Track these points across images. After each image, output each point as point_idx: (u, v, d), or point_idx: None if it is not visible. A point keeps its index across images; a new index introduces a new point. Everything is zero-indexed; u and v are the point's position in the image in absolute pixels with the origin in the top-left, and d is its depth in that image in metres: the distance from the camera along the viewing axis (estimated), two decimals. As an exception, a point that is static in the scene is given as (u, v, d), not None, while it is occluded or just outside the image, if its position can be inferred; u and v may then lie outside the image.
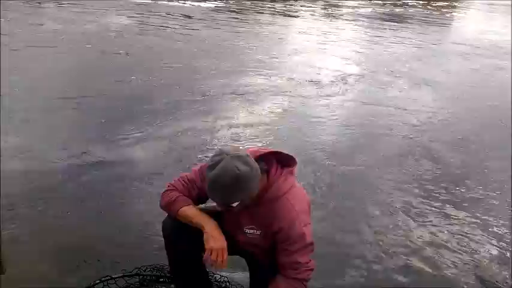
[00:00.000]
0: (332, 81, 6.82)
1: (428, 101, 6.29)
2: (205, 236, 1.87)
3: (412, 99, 6.27)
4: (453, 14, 16.80)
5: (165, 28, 9.54)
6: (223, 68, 6.99)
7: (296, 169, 1.97)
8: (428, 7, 17.06)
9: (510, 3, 16.81)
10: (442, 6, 17.66)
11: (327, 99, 6.02)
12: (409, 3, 17.38)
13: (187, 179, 2.01)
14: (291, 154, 1.96)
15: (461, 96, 6.55)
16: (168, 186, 2.03)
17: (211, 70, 6.80)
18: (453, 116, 5.64)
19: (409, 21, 13.62)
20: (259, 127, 4.91)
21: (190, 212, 1.94)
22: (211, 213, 2.05)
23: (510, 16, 14.76)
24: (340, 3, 15.91)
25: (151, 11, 11.23)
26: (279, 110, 5.50)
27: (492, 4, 19.21)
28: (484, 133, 5.16)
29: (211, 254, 1.85)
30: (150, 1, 12.66)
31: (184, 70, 6.76)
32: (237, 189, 1.74)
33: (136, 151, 4.10)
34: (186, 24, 10.18)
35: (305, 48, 8.94)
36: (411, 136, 4.94)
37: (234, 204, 1.85)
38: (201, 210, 1.99)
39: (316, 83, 6.71)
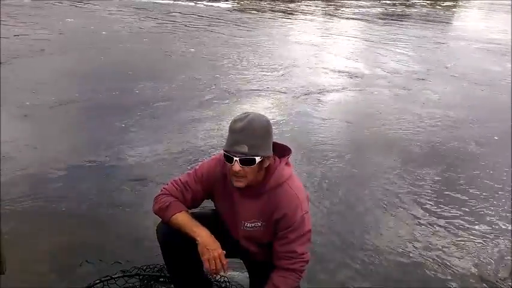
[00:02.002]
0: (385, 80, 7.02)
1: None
2: (199, 248, 1.86)
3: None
4: (462, 13, 16.98)
5: (192, 28, 9.80)
6: (259, 67, 7.17)
7: (291, 159, 1.97)
8: (437, 7, 17.25)
9: (510, 3, 16.92)
10: (450, 6, 17.89)
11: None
12: (417, 3, 17.55)
13: (181, 182, 1.99)
14: (284, 144, 1.97)
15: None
16: (162, 190, 2.01)
17: (247, 69, 6.99)
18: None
19: (425, 20, 13.79)
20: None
21: (181, 220, 1.92)
22: (206, 216, 2.05)
23: (511, 15, 14.87)
24: (351, 4, 16.01)
25: (170, 12, 11.44)
26: (341, 107, 5.71)
27: (493, 3, 19.28)
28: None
29: (209, 264, 1.84)
30: (170, 1, 12.85)
31: (222, 69, 6.89)
32: (265, 138, 1.79)
33: (144, 151, 4.10)
34: (210, 24, 10.35)
35: (342, 49, 9.10)
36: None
37: (257, 160, 1.78)
38: (194, 216, 1.97)
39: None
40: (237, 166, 1.78)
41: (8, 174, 3.47)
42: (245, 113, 1.81)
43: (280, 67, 7.31)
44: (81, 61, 6.86)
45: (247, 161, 1.77)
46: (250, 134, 1.75)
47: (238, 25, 10.59)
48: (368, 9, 14.89)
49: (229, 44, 8.59)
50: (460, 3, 19.41)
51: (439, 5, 17.67)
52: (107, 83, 5.81)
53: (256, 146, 1.76)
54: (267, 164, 1.85)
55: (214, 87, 6.02)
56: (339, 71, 7.41)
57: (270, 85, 6.35)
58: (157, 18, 10.57)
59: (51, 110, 4.86)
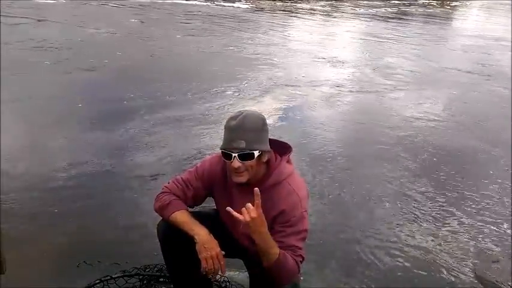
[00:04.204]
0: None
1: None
2: (197, 246, 1.84)
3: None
4: (473, 13, 17.21)
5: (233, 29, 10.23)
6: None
7: (292, 156, 1.96)
8: (446, 7, 17.51)
9: (510, 3, 17.07)
10: (458, 6, 18.16)
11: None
12: (426, 3, 17.77)
13: (182, 180, 1.99)
14: (285, 141, 1.96)
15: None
16: (163, 188, 2.00)
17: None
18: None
19: (441, 20, 14.07)
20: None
21: (180, 218, 1.90)
22: (206, 215, 2.03)
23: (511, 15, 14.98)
24: (363, 4, 16.15)
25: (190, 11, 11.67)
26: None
27: (492, 4, 19.43)
28: None
29: (207, 263, 1.82)
30: (189, 2, 13.02)
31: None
32: (261, 132, 1.79)
33: (142, 150, 4.10)
34: (239, 24, 10.68)
35: (377, 46, 9.36)
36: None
37: (256, 154, 1.77)
38: (194, 214, 1.95)
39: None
40: (236, 162, 1.77)
41: (9, 173, 3.47)
42: (239, 111, 1.82)
43: (317, 64, 7.71)
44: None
45: (246, 156, 1.77)
46: (247, 130, 1.75)
47: (266, 25, 11.03)
48: (378, 9, 15.01)
49: (267, 43, 9.00)
50: (467, 3, 19.63)
51: (448, 5, 17.96)
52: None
53: (253, 141, 1.76)
54: (265, 158, 1.84)
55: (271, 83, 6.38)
56: (384, 69, 7.69)
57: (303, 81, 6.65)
58: (199, 20, 11.01)
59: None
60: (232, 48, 8.38)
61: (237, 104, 5.38)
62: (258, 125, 1.79)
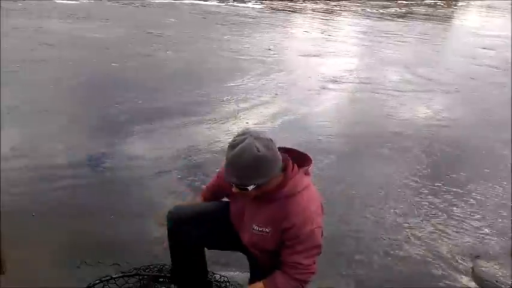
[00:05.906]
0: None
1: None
2: None
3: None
4: (478, 12, 17.33)
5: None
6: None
7: (311, 168, 1.90)
8: (453, 7, 17.64)
9: (510, 3, 17.12)
10: (464, 6, 18.27)
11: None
12: (433, 4, 17.87)
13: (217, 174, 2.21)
14: (305, 153, 1.91)
15: None
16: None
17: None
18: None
19: (453, 20, 14.37)
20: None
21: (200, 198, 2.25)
22: (222, 207, 2.10)
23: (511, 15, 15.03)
24: (368, 3, 16.23)
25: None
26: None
27: (497, 4, 19.48)
28: None
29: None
30: (202, 2, 13.12)
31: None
32: (254, 171, 1.69)
33: (139, 149, 4.09)
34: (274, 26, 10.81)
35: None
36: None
37: (250, 188, 1.75)
38: (206, 206, 2.17)
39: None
40: (234, 189, 1.79)
41: (9, 173, 3.47)
42: (243, 135, 1.71)
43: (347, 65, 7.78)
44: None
45: (241, 188, 1.76)
46: (239, 167, 1.69)
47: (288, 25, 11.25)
48: (389, 10, 15.07)
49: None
50: (472, 3, 19.74)
51: (455, 5, 18.12)
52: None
53: (245, 177, 1.71)
54: (273, 181, 1.78)
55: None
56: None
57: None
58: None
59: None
60: (283, 46, 8.68)
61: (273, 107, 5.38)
62: (253, 161, 1.67)
